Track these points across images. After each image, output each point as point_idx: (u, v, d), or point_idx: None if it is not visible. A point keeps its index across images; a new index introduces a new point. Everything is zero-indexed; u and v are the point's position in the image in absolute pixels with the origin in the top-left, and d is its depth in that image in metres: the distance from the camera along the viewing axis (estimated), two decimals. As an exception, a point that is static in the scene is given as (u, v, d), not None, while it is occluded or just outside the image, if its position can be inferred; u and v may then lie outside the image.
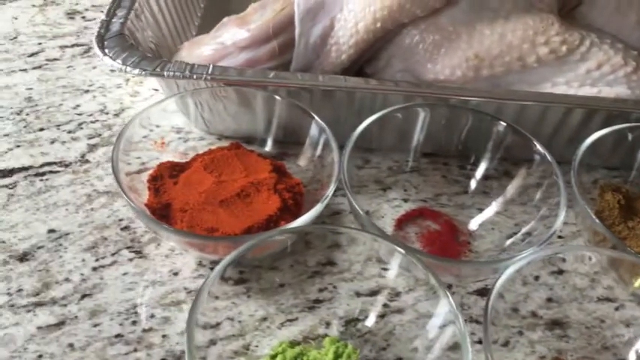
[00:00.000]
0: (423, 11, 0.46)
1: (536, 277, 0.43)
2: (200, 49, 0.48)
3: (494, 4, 0.47)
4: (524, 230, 0.46)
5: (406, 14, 0.46)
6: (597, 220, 0.41)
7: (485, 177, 0.50)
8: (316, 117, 0.46)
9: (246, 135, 0.51)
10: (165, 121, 0.51)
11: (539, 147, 0.45)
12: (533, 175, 0.47)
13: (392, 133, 0.49)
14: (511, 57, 0.47)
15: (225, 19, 0.49)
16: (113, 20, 0.48)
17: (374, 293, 0.41)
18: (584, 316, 0.43)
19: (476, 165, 0.50)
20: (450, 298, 0.35)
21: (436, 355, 0.36)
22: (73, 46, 0.62)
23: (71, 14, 0.66)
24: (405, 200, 0.49)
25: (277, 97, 0.46)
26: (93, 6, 0.67)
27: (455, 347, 0.35)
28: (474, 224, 0.48)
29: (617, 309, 0.43)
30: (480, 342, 0.40)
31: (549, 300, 0.43)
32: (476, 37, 0.47)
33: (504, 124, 0.47)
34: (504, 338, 0.41)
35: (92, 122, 0.54)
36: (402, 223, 0.48)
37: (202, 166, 0.45)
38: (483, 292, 0.44)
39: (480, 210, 0.48)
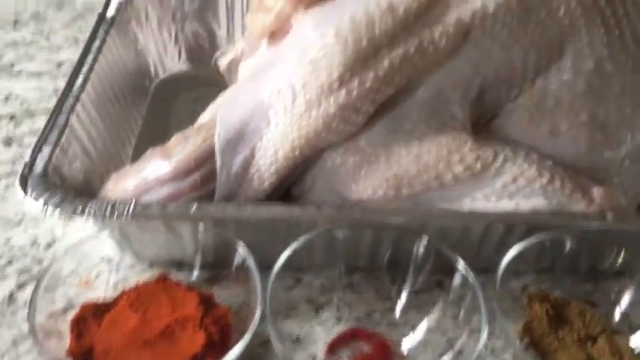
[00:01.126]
0: (340, 138, 0.48)
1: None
2: (125, 183, 0.48)
3: (409, 126, 0.49)
4: (456, 348, 0.46)
5: (323, 141, 0.48)
6: (517, 343, 0.42)
7: (416, 291, 0.50)
8: (241, 244, 0.46)
9: (177, 260, 0.52)
10: (96, 252, 0.51)
11: (459, 264, 0.46)
12: (460, 288, 0.47)
13: (320, 253, 0.49)
14: (428, 176, 0.48)
15: (148, 151, 0.49)
16: (37, 160, 0.49)
17: None
18: None
19: (405, 279, 0.50)
20: None
21: None
22: (8, 175, 0.62)
23: (8, 141, 0.66)
24: (339, 320, 0.50)
25: (200, 228, 0.47)
26: (31, 131, 0.68)
27: None
28: (406, 344, 0.48)
29: None
30: None
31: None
32: (394, 158, 0.48)
33: (427, 239, 0.48)
34: None
35: (23, 256, 0.53)
36: (334, 347, 0.47)
37: (128, 304, 0.45)
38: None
39: (413, 327, 0.49)
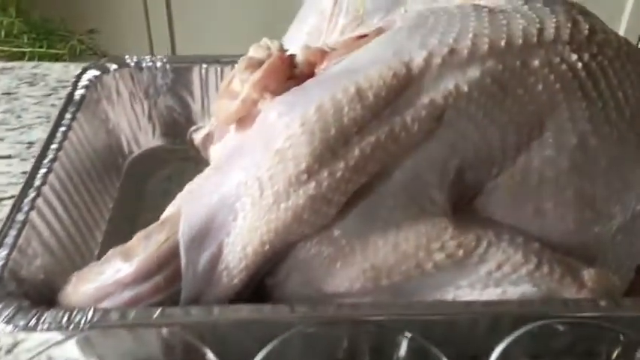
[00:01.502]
0: (313, 229, 0.45)
1: None
2: (85, 287, 0.45)
3: (385, 214, 0.46)
4: None
5: (294, 234, 0.45)
6: None
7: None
8: (208, 351, 0.43)
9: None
10: (60, 355, 0.48)
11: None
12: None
13: (297, 353, 0.46)
14: (408, 265, 0.46)
15: (110, 252, 0.47)
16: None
17: None
18: None
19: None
20: None
21: None
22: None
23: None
24: None
25: (165, 333, 0.44)
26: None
27: None
28: None
29: None
30: None
31: None
32: (370, 248, 0.46)
33: (409, 335, 0.45)
34: None
35: (-19, 364, 0.50)
36: None
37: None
38: None
39: None
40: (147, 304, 0.45)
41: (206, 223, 0.45)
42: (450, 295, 0.47)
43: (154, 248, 0.45)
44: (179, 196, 0.50)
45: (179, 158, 0.72)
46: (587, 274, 0.48)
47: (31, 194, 0.52)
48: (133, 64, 0.73)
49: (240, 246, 0.45)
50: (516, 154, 0.49)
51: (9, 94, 0.85)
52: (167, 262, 0.45)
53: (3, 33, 1.24)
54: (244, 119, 0.50)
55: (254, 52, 0.50)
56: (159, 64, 0.73)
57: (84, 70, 0.71)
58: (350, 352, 0.47)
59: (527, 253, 0.46)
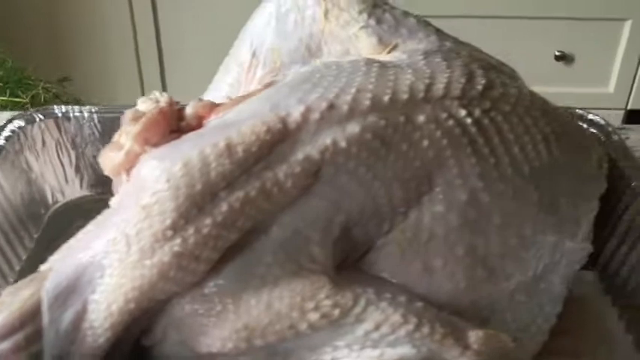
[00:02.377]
0: (180, 287, 0.44)
1: None
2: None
3: (261, 271, 0.45)
4: None
5: (161, 292, 0.44)
6: None
7: None
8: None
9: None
10: None
11: None
12: None
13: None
14: (282, 326, 0.44)
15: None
16: None
17: None
18: None
19: None
20: None
21: None
22: None
23: None
24: None
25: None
26: None
27: None
28: None
29: None
30: None
31: None
32: (242, 307, 0.44)
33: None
34: None
35: None
36: None
37: None
38: None
39: None
40: (6, 362, 0.43)
41: (73, 280, 0.44)
42: (328, 356, 0.45)
43: (17, 305, 0.44)
44: (58, 251, 0.49)
45: (104, 208, 0.71)
46: (474, 336, 0.46)
47: None
48: (60, 114, 0.73)
49: (105, 304, 0.44)
50: (407, 210, 0.48)
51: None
52: (30, 320, 0.44)
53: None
54: (133, 172, 0.49)
55: (141, 104, 0.50)
56: (86, 114, 0.73)
57: (9, 121, 0.71)
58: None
59: (407, 313, 0.45)
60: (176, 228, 0.43)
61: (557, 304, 0.54)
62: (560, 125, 0.54)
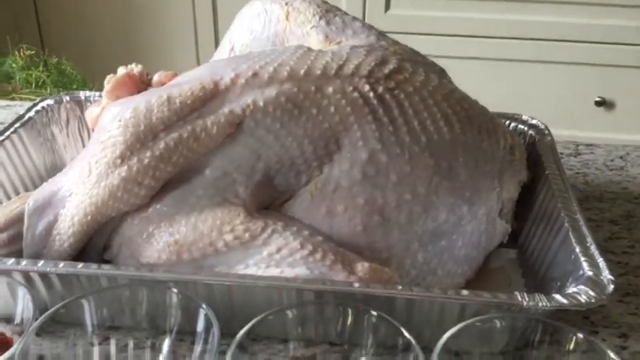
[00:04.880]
0: (127, 206, 0.56)
1: None
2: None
3: (193, 200, 0.57)
4: None
5: (112, 209, 0.56)
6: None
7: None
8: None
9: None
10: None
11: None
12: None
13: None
14: (204, 243, 0.56)
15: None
16: None
17: None
18: None
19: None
20: None
21: None
22: None
23: None
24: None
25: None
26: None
27: None
28: None
29: None
30: None
31: None
32: (174, 226, 0.56)
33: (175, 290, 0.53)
34: None
35: None
36: None
37: None
38: None
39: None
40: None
41: (49, 197, 0.58)
42: (240, 272, 0.56)
43: (4, 212, 0.57)
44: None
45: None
46: (361, 266, 0.56)
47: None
48: (84, 97, 0.87)
49: (69, 216, 0.57)
50: (321, 165, 0.59)
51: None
52: (12, 224, 0.57)
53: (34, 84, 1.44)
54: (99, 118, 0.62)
55: (119, 70, 0.64)
56: (105, 99, 0.87)
57: (41, 100, 0.86)
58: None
59: (304, 242, 0.56)
60: (124, 158, 0.55)
61: (461, 265, 0.63)
62: (466, 110, 0.63)
